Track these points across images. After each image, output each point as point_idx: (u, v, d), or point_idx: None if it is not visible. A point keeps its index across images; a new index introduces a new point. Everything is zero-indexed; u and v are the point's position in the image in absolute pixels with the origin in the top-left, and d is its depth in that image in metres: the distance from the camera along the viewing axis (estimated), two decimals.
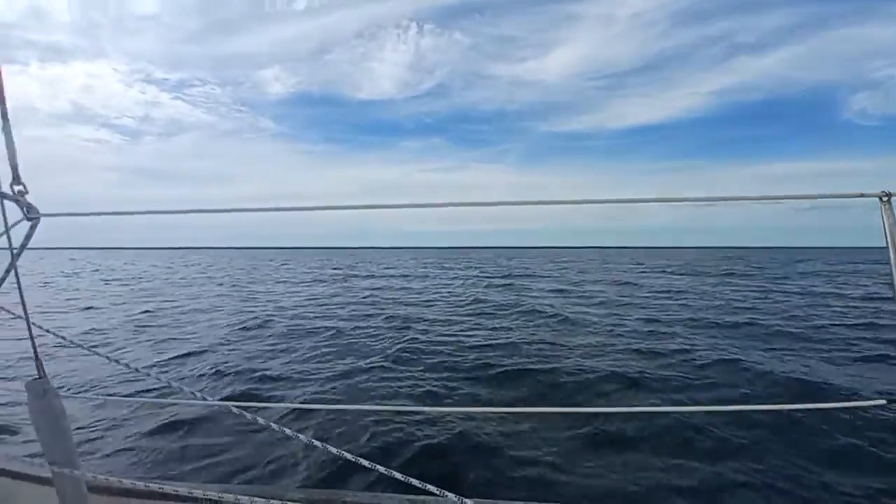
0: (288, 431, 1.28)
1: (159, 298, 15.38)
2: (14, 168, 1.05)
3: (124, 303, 14.21)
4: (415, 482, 1.15)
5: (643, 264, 41.39)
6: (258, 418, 1.37)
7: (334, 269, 35.79)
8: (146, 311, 12.22)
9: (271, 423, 1.35)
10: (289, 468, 3.43)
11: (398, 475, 1.16)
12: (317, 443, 1.41)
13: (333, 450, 1.28)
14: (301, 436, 1.41)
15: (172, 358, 7.16)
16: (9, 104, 1.12)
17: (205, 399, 1.43)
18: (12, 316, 1.35)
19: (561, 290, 17.48)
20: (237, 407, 1.42)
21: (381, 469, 1.18)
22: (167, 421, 4.33)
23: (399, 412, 4.32)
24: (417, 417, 4.18)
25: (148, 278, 25.50)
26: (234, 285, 21.04)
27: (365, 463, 1.24)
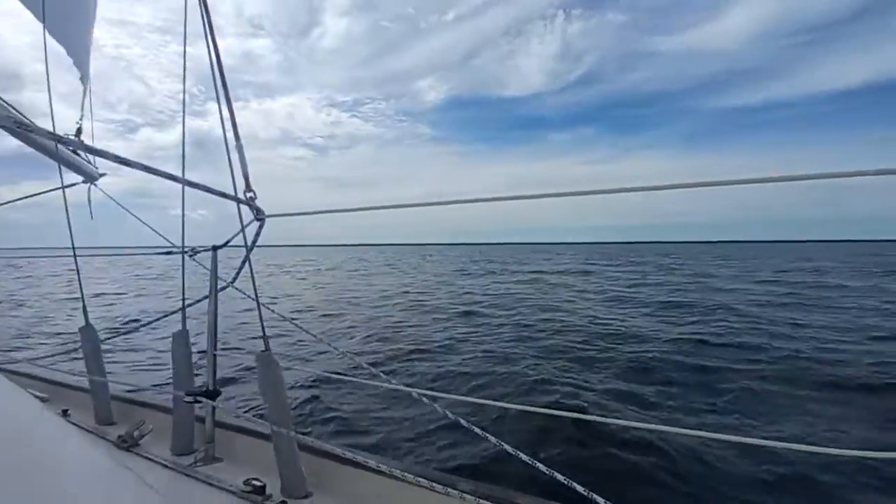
0: (463, 422, 1.29)
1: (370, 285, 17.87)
2: (246, 178, 1.31)
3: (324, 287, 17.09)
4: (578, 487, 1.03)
5: None
6: (448, 413, 1.42)
7: (490, 263, 36.99)
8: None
9: (448, 413, 1.38)
10: (462, 460, 3.58)
11: (579, 488, 1.04)
12: (492, 438, 1.39)
13: (509, 449, 1.24)
14: (477, 429, 1.41)
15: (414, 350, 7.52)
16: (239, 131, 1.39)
17: (389, 382, 1.56)
18: (246, 297, 1.71)
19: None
20: (420, 393, 1.51)
21: (560, 478, 1.09)
22: (360, 399, 4.93)
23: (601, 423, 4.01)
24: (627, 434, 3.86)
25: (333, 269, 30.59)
26: (439, 276, 22.94)
27: (542, 468, 1.16)
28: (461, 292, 16.56)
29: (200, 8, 1.40)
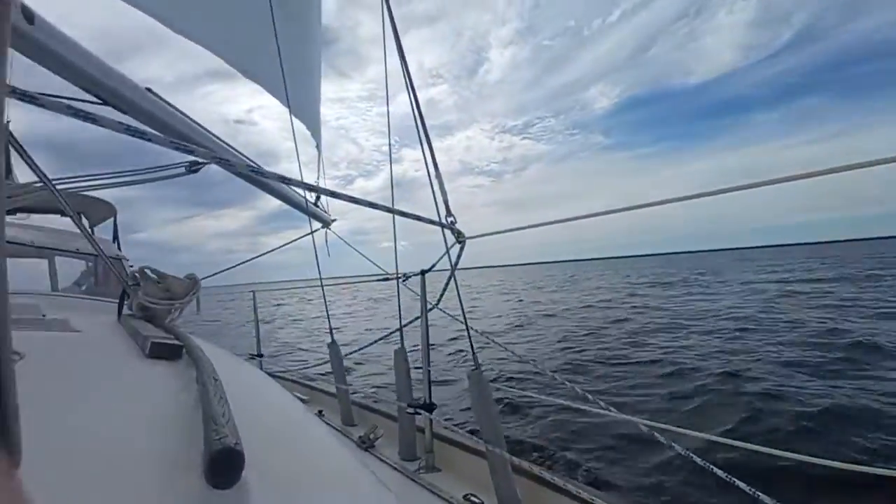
0: (720, 473, 1.05)
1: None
2: (446, 204, 1.41)
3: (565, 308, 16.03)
4: None
5: None
6: (674, 445, 1.22)
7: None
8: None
9: (687, 451, 1.16)
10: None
11: None
12: (741, 484, 1.10)
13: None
14: (717, 470, 1.15)
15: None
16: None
17: (610, 411, 1.42)
18: (454, 318, 1.82)
19: None
20: (652, 427, 1.33)
21: None
22: (576, 427, 4.39)
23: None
24: None
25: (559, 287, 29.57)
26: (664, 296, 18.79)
27: None
28: (705, 308, 13.46)
29: (402, 69, 1.60)
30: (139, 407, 0.64)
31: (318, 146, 3.61)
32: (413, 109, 1.46)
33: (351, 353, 3.07)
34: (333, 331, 2.84)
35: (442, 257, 1.49)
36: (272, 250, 3.90)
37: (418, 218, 1.10)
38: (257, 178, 2.62)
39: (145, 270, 1.81)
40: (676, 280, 28.89)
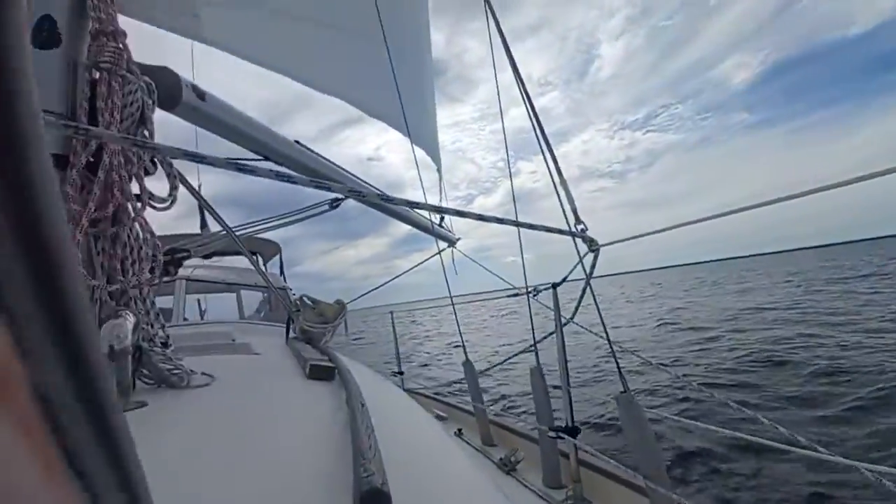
0: None
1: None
2: (575, 212, 1.31)
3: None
4: None
5: None
6: None
7: None
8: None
9: None
10: None
11: None
12: None
13: None
14: None
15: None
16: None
17: (816, 450, 1.12)
18: (592, 334, 1.68)
19: None
20: (878, 473, 1.02)
21: None
22: (759, 466, 3.65)
23: None
24: None
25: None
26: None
27: None
28: None
29: (516, 80, 1.58)
30: (300, 426, 0.70)
31: (438, 170, 3.78)
32: (531, 118, 1.41)
33: (486, 371, 3.08)
34: (466, 348, 2.88)
35: (574, 268, 1.39)
36: (403, 273, 4.17)
37: (547, 229, 1.04)
38: (387, 206, 2.83)
39: (304, 298, 2.07)
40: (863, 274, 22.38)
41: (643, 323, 14.94)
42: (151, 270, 1.00)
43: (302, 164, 2.04)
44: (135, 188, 1.00)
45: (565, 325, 1.80)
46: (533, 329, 1.89)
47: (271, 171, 0.67)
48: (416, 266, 4.01)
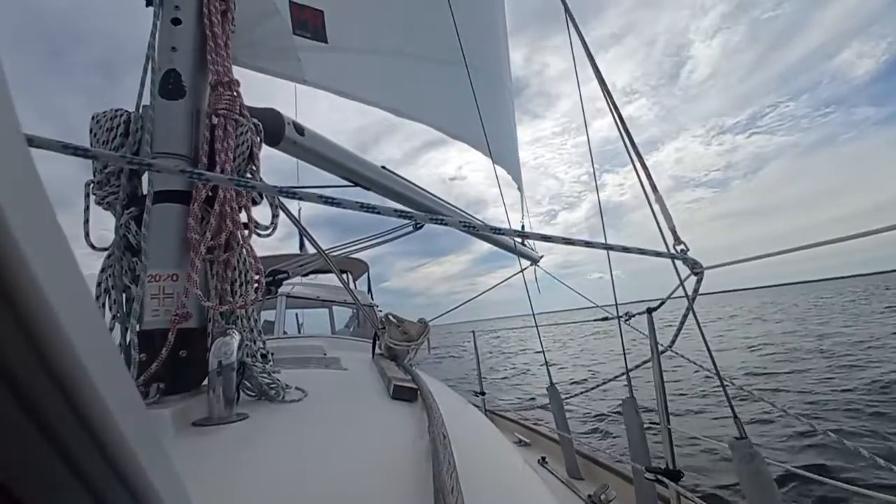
0: None
1: None
2: (673, 231, 1.18)
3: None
4: None
5: None
6: None
7: None
8: None
9: None
10: None
11: None
12: None
13: None
14: None
15: None
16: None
17: None
18: (698, 365, 1.49)
19: None
20: None
21: None
22: None
23: None
24: None
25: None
26: None
27: None
28: None
29: (602, 89, 1.50)
30: (383, 449, 0.71)
31: (519, 188, 3.74)
32: (618, 127, 1.32)
33: (571, 397, 2.90)
34: (551, 372, 2.74)
35: (673, 293, 1.24)
36: (483, 293, 4.14)
37: (642, 251, 0.94)
38: (469, 229, 2.85)
39: (389, 316, 2.14)
40: None
41: (760, 347, 13.14)
42: (255, 290, 1.09)
43: (388, 188, 2.15)
44: (243, 217, 1.12)
45: (663, 352, 1.63)
46: (625, 357, 1.73)
47: (358, 203, 0.71)
48: (496, 286, 3.96)
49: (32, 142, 0.61)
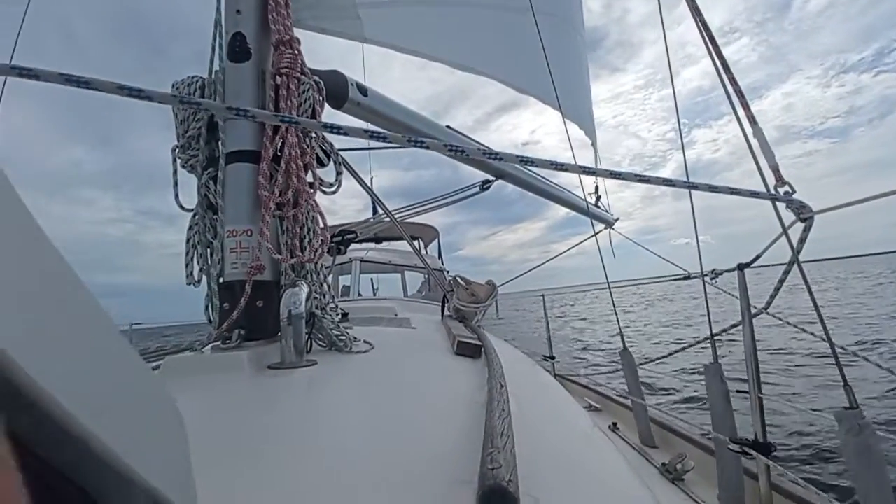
0: None
1: None
2: (775, 171, 1.01)
3: None
4: None
5: None
6: None
7: None
8: None
9: None
10: None
11: None
12: None
13: None
14: None
15: None
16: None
17: None
18: (800, 329, 1.31)
19: None
20: None
21: None
22: None
23: None
24: None
25: None
26: None
27: None
28: None
29: (696, 23, 1.31)
30: (440, 401, 0.71)
31: (593, 144, 3.49)
32: (715, 62, 1.14)
33: (646, 363, 2.74)
34: (625, 337, 2.60)
35: (776, 241, 1.06)
36: (554, 257, 4.00)
37: (734, 191, 0.79)
38: (537, 185, 2.74)
39: (457, 278, 2.15)
40: None
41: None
42: (321, 245, 1.14)
43: (454, 147, 2.12)
44: (309, 177, 1.16)
45: (757, 314, 1.44)
46: (709, 319, 1.56)
47: (443, 143, 0.69)
48: (567, 250, 3.80)
49: (152, 98, 0.66)
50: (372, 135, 0.67)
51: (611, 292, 2.59)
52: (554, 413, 0.84)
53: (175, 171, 1.14)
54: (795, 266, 1.04)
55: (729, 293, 1.64)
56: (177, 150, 1.13)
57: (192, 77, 1.13)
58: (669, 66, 1.91)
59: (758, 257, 1.26)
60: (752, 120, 1.03)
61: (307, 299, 0.95)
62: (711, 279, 1.65)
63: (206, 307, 1.07)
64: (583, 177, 2.98)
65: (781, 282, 1.13)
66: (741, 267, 1.42)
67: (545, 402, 0.91)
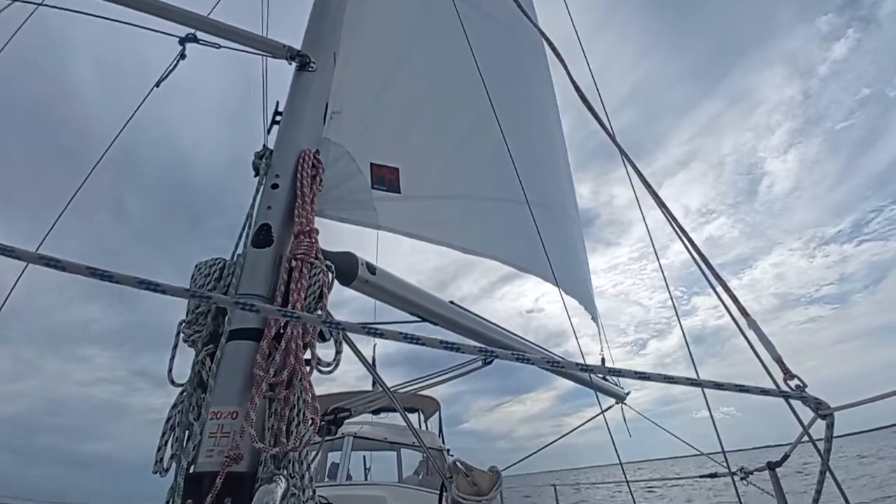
0: None
1: None
2: (779, 362, 0.98)
3: None
4: None
5: None
6: None
7: None
8: None
9: None
10: None
11: None
12: None
13: None
14: None
15: None
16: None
17: None
18: None
19: None
20: None
21: None
22: None
23: None
24: None
25: None
26: None
27: None
28: None
29: (669, 221, 1.49)
30: None
31: (593, 318, 3.54)
32: (690, 253, 1.24)
33: None
34: None
35: (797, 443, 0.97)
36: (558, 439, 3.66)
37: (742, 389, 0.76)
38: (540, 363, 2.68)
39: (457, 463, 1.93)
40: None
41: None
42: (311, 429, 1.06)
43: (457, 322, 2.16)
44: (307, 355, 1.15)
45: None
46: None
47: (438, 340, 0.70)
48: (572, 431, 3.50)
49: (166, 292, 0.70)
50: (369, 330, 0.70)
51: (626, 476, 2.27)
52: None
53: (175, 346, 1.14)
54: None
55: (765, 490, 1.43)
56: (182, 324, 1.16)
57: (215, 259, 1.23)
58: (654, 249, 2.07)
59: (786, 457, 1.13)
60: (744, 311, 1.06)
61: (283, 497, 0.84)
62: (741, 478, 1.46)
63: (167, 502, 0.94)
64: (593, 348, 2.94)
65: (818, 493, 0.98)
66: (771, 466, 1.26)
67: None
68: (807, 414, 0.99)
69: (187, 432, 1.02)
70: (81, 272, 0.60)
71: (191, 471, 0.95)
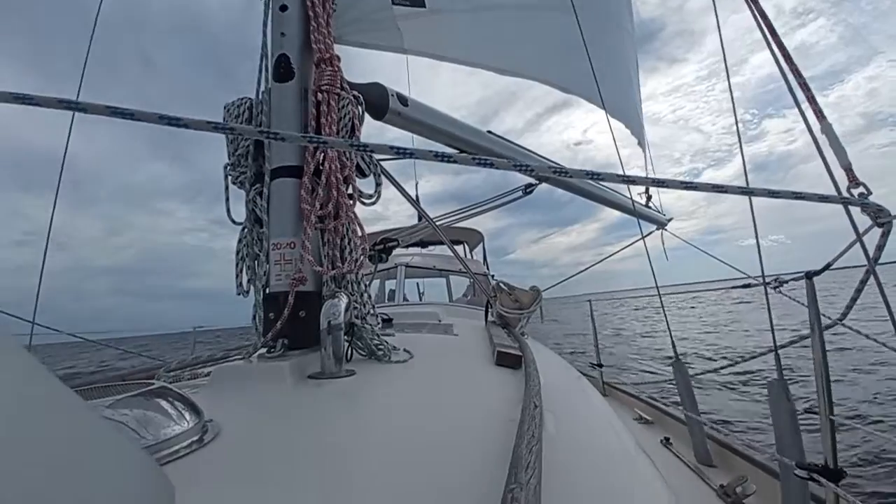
0: None
1: None
2: (847, 170, 0.91)
3: None
4: None
5: None
6: None
7: None
8: None
9: None
10: None
11: None
12: None
13: None
14: None
15: None
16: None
17: None
18: (880, 344, 1.17)
19: None
20: None
21: None
22: None
23: None
24: None
25: None
26: None
27: None
28: None
29: (756, 19, 1.22)
30: (474, 415, 0.69)
31: (640, 143, 3.34)
32: (775, 56, 1.04)
33: (700, 375, 2.57)
34: (677, 347, 2.44)
35: (849, 248, 0.95)
36: (599, 261, 3.86)
37: (798, 196, 0.71)
38: (582, 187, 2.66)
39: (500, 284, 2.12)
40: None
41: None
42: (361, 255, 1.16)
43: (494, 152, 2.10)
44: (349, 189, 1.19)
45: (829, 326, 1.30)
46: (773, 331, 1.42)
47: (472, 157, 0.69)
48: (613, 254, 3.66)
49: (189, 126, 0.70)
50: (397, 151, 0.68)
51: (661, 297, 2.45)
52: (593, 434, 0.80)
53: (227, 188, 1.20)
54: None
55: (797, 301, 1.50)
56: (227, 167, 1.20)
57: (242, 98, 1.20)
58: (725, 61, 1.79)
59: (828, 266, 1.13)
60: (820, 114, 0.92)
61: (346, 310, 0.97)
62: (774, 287, 1.51)
63: (254, 316, 1.12)
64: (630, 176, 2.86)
65: (858, 291, 1.01)
66: (809, 275, 1.29)
67: (584, 420, 0.87)
68: (865, 225, 0.96)
69: (256, 261, 1.15)
70: (103, 112, 0.60)
71: (266, 291, 1.10)
